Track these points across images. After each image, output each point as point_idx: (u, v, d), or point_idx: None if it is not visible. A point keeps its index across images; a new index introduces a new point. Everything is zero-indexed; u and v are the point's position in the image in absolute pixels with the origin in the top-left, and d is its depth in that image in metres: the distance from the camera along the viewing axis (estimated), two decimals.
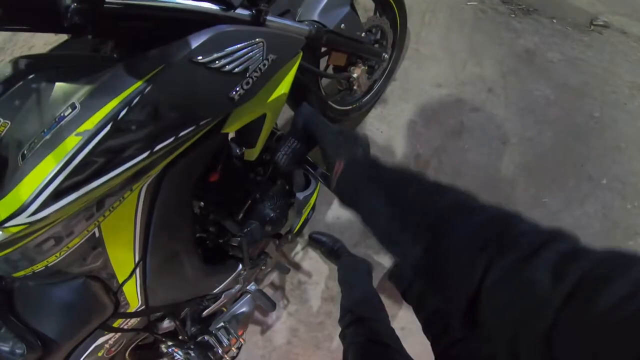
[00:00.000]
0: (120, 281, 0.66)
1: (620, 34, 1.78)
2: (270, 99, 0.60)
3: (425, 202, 0.38)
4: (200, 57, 0.45)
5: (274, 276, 1.51)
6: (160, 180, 0.54)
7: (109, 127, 0.40)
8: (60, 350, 0.64)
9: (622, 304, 0.22)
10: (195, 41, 0.45)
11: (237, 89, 0.51)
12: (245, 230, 0.88)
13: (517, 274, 0.29)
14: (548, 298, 0.26)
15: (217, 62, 0.47)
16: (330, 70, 1.15)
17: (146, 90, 0.42)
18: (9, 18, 0.33)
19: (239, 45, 0.49)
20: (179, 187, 0.58)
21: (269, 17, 0.57)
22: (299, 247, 1.51)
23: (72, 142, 0.38)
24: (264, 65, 0.54)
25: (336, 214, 1.52)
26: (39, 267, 0.51)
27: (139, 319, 0.81)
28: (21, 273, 0.51)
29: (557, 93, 1.66)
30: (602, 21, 1.81)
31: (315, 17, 0.79)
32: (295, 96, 1.02)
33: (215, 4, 0.47)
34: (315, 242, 1.47)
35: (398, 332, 1.45)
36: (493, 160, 1.55)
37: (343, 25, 0.87)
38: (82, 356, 0.70)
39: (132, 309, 0.75)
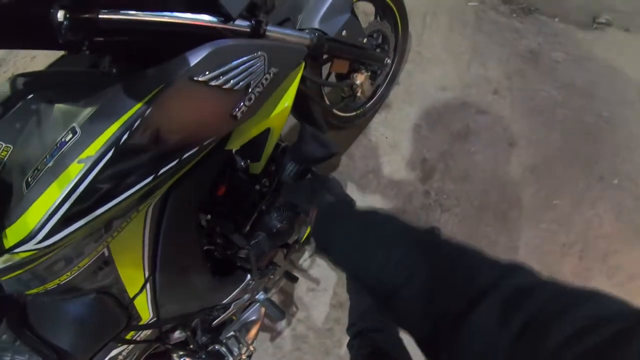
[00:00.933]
0: (131, 295, 0.67)
1: (623, 32, 1.75)
2: (274, 113, 0.60)
3: (377, 256, 0.40)
4: (200, 75, 0.44)
5: (282, 284, 1.50)
6: (166, 199, 0.54)
7: (111, 153, 0.39)
8: None
9: (571, 343, 0.22)
10: (194, 58, 0.44)
11: (240, 105, 0.50)
12: (253, 242, 0.88)
13: (464, 320, 0.28)
14: (496, 342, 0.26)
15: (217, 79, 0.46)
16: (332, 78, 1.14)
17: (147, 113, 0.41)
18: (3, 37, 0.33)
19: (239, 61, 0.48)
20: (185, 204, 0.59)
21: (269, 28, 0.56)
22: (306, 255, 1.51)
23: (75, 169, 0.38)
24: (266, 79, 0.54)
25: None
26: (51, 285, 0.52)
27: (150, 330, 0.82)
28: (34, 291, 0.52)
29: (564, 93, 1.63)
30: (604, 19, 1.78)
31: (316, 25, 0.78)
32: (298, 107, 1.03)
33: (213, 16, 0.46)
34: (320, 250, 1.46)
35: (404, 335, 1.44)
36: (501, 163, 1.53)
37: (345, 32, 0.86)
38: None
39: (143, 322, 0.76)
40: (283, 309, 1.46)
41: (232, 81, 0.48)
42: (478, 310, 0.28)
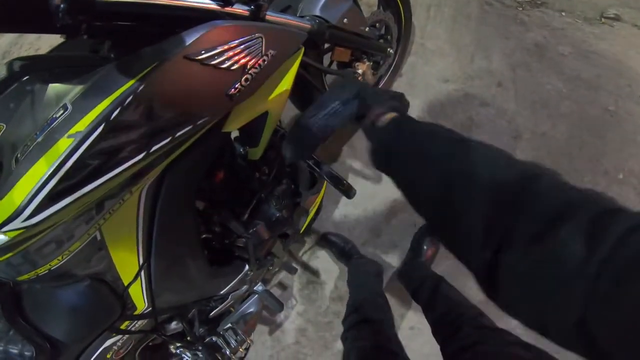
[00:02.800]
0: (126, 283, 0.66)
1: (631, 27, 1.73)
2: (272, 96, 0.58)
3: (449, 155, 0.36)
4: (195, 54, 0.44)
5: (282, 276, 1.50)
6: (161, 182, 0.53)
7: (101, 128, 0.39)
8: (69, 352, 0.65)
9: None
10: (190, 37, 0.43)
11: (236, 86, 0.49)
12: (251, 230, 0.87)
13: (541, 241, 0.25)
14: (580, 270, 0.22)
15: (213, 58, 0.45)
16: (334, 67, 1.13)
17: (139, 89, 0.40)
18: (1, 21, 0.32)
19: (236, 42, 0.47)
20: (181, 189, 0.57)
21: (269, 13, 0.55)
22: (306, 247, 1.50)
23: (64, 144, 0.37)
24: (264, 61, 0.52)
25: (343, 213, 1.50)
26: (42, 270, 0.50)
27: (146, 320, 0.81)
28: (25, 277, 0.50)
29: (570, 86, 1.61)
30: (612, 14, 1.76)
31: (317, 12, 0.77)
32: (299, 94, 1.01)
33: (212, 0, 0.46)
34: (326, 242, 1.45)
35: (407, 332, 1.44)
36: None
37: (346, 19, 0.85)
38: (90, 358, 0.71)
39: (138, 311, 0.75)
40: (282, 301, 1.46)
41: (228, 61, 0.47)
42: (558, 232, 0.24)
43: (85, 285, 0.60)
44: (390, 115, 0.47)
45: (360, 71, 1.06)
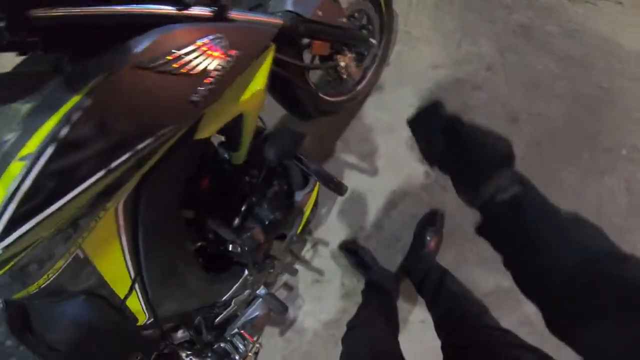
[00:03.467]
0: (122, 297, 0.67)
1: (614, 4, 1.70)
2: (244, 97, 0.57)
3: None
4: (147, 62, 0.42)
5: (286, 277, 1.49)
6: (137, 195, 0.52)
7: (51, 148, 0.37)
8: None
9: None
10: (139, 45, 0.42)
11: (199, 91, 0.48)
12: (245, 235, 0.86)
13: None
14: None
15: (168, 65, 0.44)
16: (317, 62, 1.11)
17: (86, 104, 0.39)
18: None
19: (193, 45, 0.46)
20: (161, 201, 0.57)
21: (234, 12, 0.54)
22: (308, 246, 1.49)
23: (16, 168, 0.36)
24: (228, 62, 0.51)
25: (341, 208, 1.49)
26: (32, 289, 0.51)
27: (151, 330, 0.82)
28: (19, 295, 0.51)
29: (561, 66, 1.59)
30: None
31: (289, 7, 0.75)
32: (281, 93, 1.00)
33: (166, 5, 0.44)
34: (345, 252, 1.44)
35: (418, 326, 1.43)
36: None
37: (320, 12, 0.82)
38: None
39: (141, 322, 0.76)
40: (289, 302, 1.45)
41: (186, 66, 0.46)
42: None
43: (81, 300, 0.61)
44: (513, 190, 0.45)
45: (342, 64, 1.05)
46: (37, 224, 0.38)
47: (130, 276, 0.62)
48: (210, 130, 0.56)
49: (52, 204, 0.38)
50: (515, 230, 0.42)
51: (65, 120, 0.38)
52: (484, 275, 1.38)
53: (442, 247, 1.41)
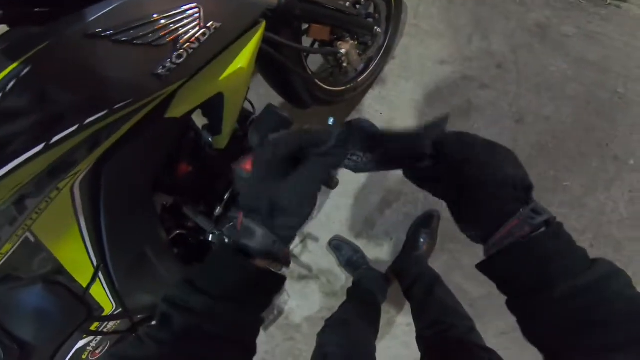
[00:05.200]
0: (84, 285, 0.63)
1: (638, 8, 1.62)
2: (224, 75, 0.51)
3: None
4: (102, 30, 0.37)
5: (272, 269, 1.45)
6: (98, 174, 0.47)
7: None
8: (38, 354, 0.64)
9: None
10: (95, 12, 0.37)
11: (165, 64, 0.43)
12: (228, 225, 0.81)
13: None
14: None
15: (128, 34, 0.39)
16: (316, 47, 1.05)
17: (23, 73, 0.35)
18: None
19: (162, 14, 0.40)
20: (127, 181, 0.51)
21: None
22: (297, 241, 1.45)
23: None
24: (204, 35, 0.45)
25: (335, 204, 1.44)
26: None
27: (119, 321, 0.78)
28: None
29: (576, 68, 1.52)
30: None
31: None
32: (274, 77, 0.94)
33: None
34: (334, 249, 1.40)
35: (404, 329, 1.39)
36: (506, 141, 1.42)
37: None
38: (65, 359, 0.70)
39: (107, 312, 0.72)
40: (275, 298, 1.42)
41: (151, 37, 0.40)
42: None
43: (39, 288, 0.58)
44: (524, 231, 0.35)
45: (343, 51, 0.98)
46: None
47: (93, 264, 0.58)
48: (183, 109, 0.50)
49: None
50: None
51: None
52: (476, 280, 1.34)
53: (435, 250, 1.36)
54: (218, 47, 0.49)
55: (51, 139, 0.37)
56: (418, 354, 0.87)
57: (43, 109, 0.36)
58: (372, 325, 1.01)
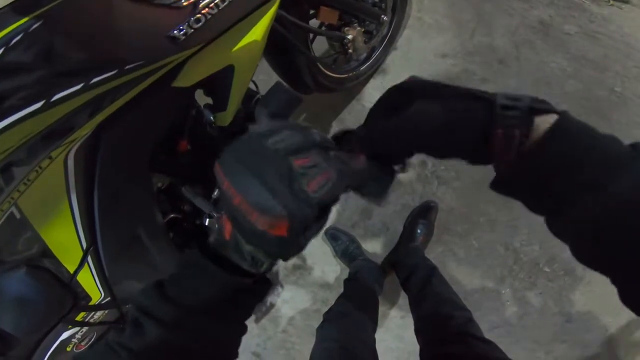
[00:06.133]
0: (71, 271, 0.58)
1: None
2: (237, 46, 0.48)
3: None
4: None
5: None
6: (96, 145, 0.42)
7: None
8: (21, 345, 0.60)
9: None
10: None
11: (182, 27, 0.39)
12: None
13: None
14: None
15: None
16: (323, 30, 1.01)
17: (33, 28, 0.33)
18: None
19: None
20: (127, 154, 0.47)
21: None
22: None
23: None
24: (223, 1, 0.42)
25: None
26: None
27: (107, 311, 0.74)
28: None
29: (575, 66, 1.55)
30: None
31: None
32: (279, 56, 0.90)
33: None
34: (330, 238, 1.37)
35: (399, 321, 1.38)
36: None
37: None
38: (48, 351, 0.67)
39: (94, 302, 0.68)
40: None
41: None
42: None
43: (22, 272, 0.53)
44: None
45: (350, 37, 0.95)
46: None
47: (82, 247, 0.53)
48: (192, 79, 0.46)
49: None
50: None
51: (3, 43, 0.32)
52: (471, 273, 1.34)
53: (431, 241, 1.35)
54: (236, 16, 0.46)
55: (52, 97, 0.33)
56: (411, 347, 0.86)
57: (48, 65, 0.34)
58: (371, 318, 0.99)
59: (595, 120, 1.47)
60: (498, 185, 0.33)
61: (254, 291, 0.34)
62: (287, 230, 0.27)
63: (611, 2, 1.68)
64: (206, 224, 0.75)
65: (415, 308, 0.99)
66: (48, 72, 0.33)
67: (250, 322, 1.41)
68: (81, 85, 0.35)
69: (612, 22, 1.61)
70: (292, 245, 0.30)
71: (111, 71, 0.36)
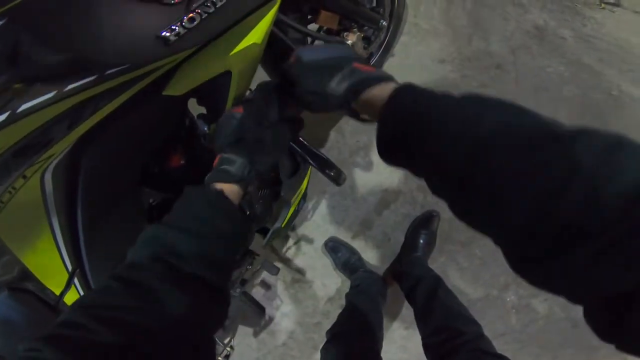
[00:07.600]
0: (57, 293, 0.54)
1: (632, 13, 1.69)
2: (235, 50, 0.44)
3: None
4: None
5: (264, 274, 1.37)
6: (77, 162, 0.38)
7: None
8: None
9: None
10: None
11: (174, 27, 0.35)
12: None
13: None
14: None
15: None
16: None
17: None
18: None
19: None
20: (113, 171, 0.43)
21: None
22: (290, 242, 1.37)
23: None
24: (221, 0, 0.38)
25: (331, 204, 1.38)
26: None
27: None
28: None
29: (572, 70, 1.55)
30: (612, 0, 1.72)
31: None
32: (276, 62, 0.86)
33: None
34: (330, 251, 1.32)
35: (402, 332, 1.34)
36: None
37: None
38: None
39: None
40: (266, 302, 1.34)
41: None
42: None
43: (4, 296, 0.50)
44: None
45: (349, 42, 0.93)
46: None
47: (67, 269, 0.49)
48: (185, 86, 0.42)
49: None
50: None
51: None
52: (474, 282, 1.31)
53: (434, 252, 1.32)
54: (234, 17, 0.41)
55: (18, 107, 0.28)
56: (415, 358, 0.82)
57: (13, 69, 0.28)
58: (377, 333, 0.95)
59: (592, 124, 1.44)
60: (380, 153, 0.38)
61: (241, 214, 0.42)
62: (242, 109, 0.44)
63: (602, 5, 1.70)
64: None
65: (423, 322, 0.95)
66: (12, 78, 0.29)
67: (248, 336, 1.37)
68: (53, 92, 0.30)
69: (604, 26, 1.63)
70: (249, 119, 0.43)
71: (90, 76, 0.31)
